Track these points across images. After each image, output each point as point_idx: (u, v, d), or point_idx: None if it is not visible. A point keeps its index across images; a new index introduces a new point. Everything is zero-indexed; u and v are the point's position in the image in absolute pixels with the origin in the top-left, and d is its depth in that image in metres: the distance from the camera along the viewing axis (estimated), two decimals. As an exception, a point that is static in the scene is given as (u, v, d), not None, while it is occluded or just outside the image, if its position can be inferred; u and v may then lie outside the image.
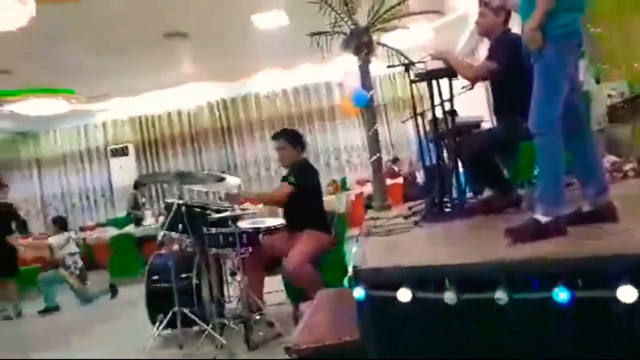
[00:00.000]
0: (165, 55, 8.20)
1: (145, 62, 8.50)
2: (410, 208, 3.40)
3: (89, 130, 11.58)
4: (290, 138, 4.12)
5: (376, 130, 4.40)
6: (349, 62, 4.71)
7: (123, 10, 6.23)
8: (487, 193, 3.14)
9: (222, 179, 4.34)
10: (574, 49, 2.10)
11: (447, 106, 3.15)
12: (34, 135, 11.58)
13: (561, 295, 1.48)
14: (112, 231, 8.50)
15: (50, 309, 6.15)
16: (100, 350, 4.15)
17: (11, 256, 6.36)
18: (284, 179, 3.98)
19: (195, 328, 3.79)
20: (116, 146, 11.28)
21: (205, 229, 3.74)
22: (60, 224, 6.81)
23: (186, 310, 3.69)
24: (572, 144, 2.12)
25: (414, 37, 7.35)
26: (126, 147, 11.22)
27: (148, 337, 3.70)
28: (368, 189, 9.00)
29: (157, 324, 3.77)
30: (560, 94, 2.02)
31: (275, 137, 4.20)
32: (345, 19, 4.40)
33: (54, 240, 6.57)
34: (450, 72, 3.11)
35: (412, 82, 3.36)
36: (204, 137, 11.30)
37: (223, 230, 3.67)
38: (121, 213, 10.45)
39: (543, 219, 1.96)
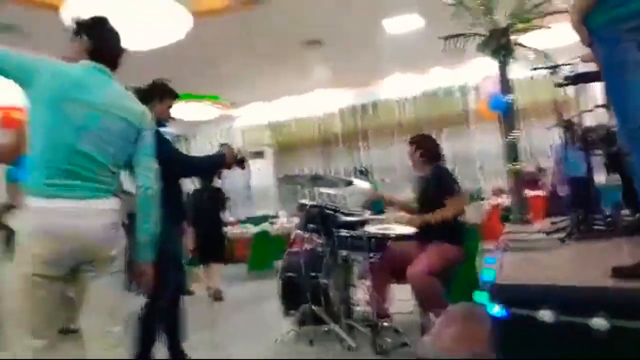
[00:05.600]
0: (300, 62, 8.57)
1: (283, 70, 8.99)
2: (553, 223, 3.15)
3: (230, 134, 12.54)
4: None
5: (515, 136, 4.16)
6: (486, 64, 4.52)
7: (267, 21, 6.64)
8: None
9: (350, 183, 4.44)
10: (632, 32, 1.70)
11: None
12: (185, 139, 12.88)
13: None
14: (251, 228, 9.07)
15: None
16: (235, 341, 4.44)
17: (222, 241, 6.51)
18: (444, 189, 3.74)
19: (323, 327, 3.90)
20: (254, 149, 12.06)
21: (335, 231, 3.84)
22: None
23: (315, 308, 3.81)
24: None
25: (557, 38, 6.80)
26: (263, 151, 11.96)
27: (282, 330, 3.84)
28: (505, 200, 8.49)
29: (291, 318, 3.92)
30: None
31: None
32: (483, 20, 4.22)
33: None
34: (604, 75, 2.83)
35: (558, 85, 3.11)
36: (334, 142, 11.62)
37: (352, 233, 3.74)
38: (260, 211, 11.16)
39: None
